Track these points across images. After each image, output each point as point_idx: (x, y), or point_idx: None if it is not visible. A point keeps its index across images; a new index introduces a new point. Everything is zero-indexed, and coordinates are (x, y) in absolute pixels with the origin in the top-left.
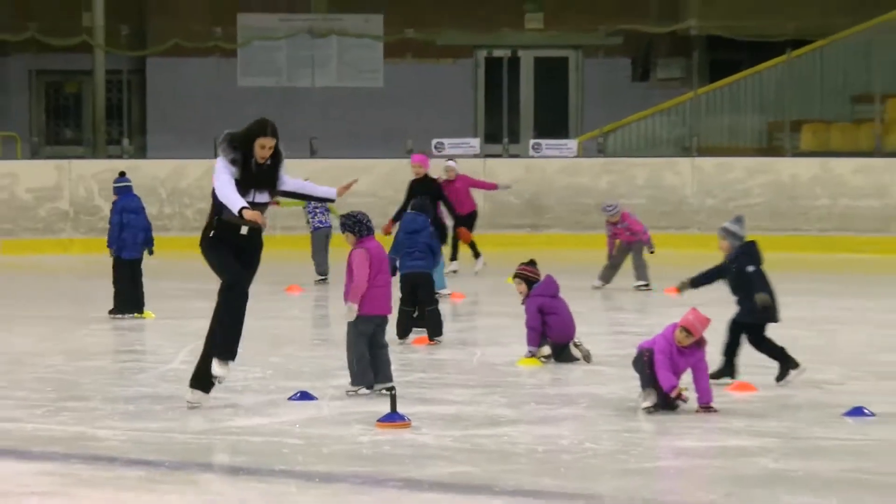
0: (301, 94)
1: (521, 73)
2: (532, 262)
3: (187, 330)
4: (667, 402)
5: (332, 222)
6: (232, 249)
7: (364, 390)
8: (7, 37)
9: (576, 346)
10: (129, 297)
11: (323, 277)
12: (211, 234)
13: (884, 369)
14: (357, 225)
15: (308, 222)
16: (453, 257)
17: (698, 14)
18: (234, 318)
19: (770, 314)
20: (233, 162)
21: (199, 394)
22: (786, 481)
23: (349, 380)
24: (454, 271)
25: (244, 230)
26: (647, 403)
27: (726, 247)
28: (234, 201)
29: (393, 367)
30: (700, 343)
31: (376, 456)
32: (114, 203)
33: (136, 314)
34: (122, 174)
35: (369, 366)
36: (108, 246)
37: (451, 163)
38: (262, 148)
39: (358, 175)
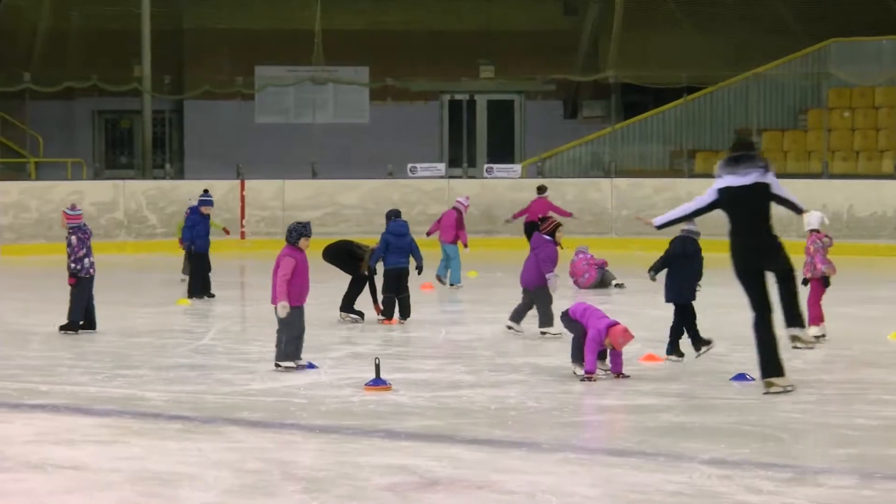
0: (304, 128)
1: (477, 112)
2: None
3: (214, 314)
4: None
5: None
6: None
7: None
8: (75, 84)
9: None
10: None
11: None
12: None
13: None
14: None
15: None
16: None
17: (615, 66)
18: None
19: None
20: None
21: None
22: (685, 431)
23: (319, 355)
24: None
25: None
26: (581, 372)
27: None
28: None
29: (377, 343)
30: None
31: (364, 412)
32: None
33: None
34: (206, 191)
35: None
36: (203, 249)
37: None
38: None
39: (347, 192)
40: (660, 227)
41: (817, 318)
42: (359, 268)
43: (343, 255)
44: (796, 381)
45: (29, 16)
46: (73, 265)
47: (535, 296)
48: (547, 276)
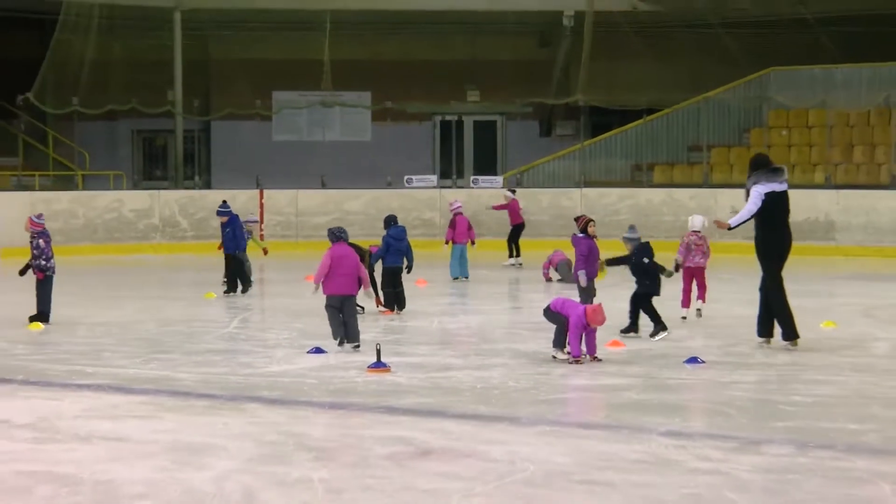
0: (315, 145)
1: (465, 131)
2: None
3: (237, 306)
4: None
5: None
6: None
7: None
8: (117, 107)
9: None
10: (248, 279)
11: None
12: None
13: (710, 331)
14: (330, 234)
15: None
16: (511, 254)
17: (584, 91)
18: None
19: (656, 289)
20: None
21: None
22: (645, 407)
23: (327, 342)
24: (517, 265)
25: None
26: (561, 357)
27: (629, 248)
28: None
29: (378, 332)
30: None
31: (367, 391)
32: (230, 221)
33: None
34: (225, 202)
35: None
36: (234, 249)
37: (507, 192)
38: None
39: (351, 201)
40: (733, 228)
41: (689, 302)
42: None
43: None
44: (741, 363)
45: (77, 48)
46: (43, 263)
47: (579, 290)
48: (577, 272)
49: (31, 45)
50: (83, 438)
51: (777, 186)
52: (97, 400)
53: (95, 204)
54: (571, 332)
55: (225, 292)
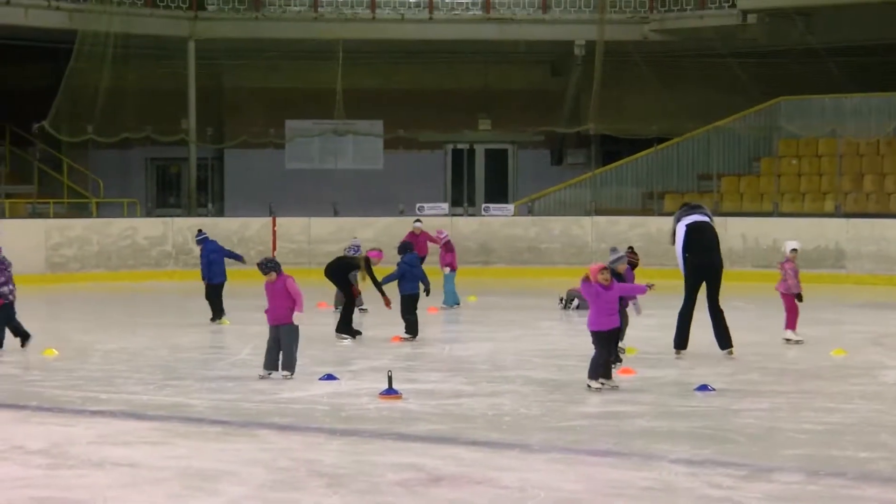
0: (328, 173)
1: (476, 159)
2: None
3: (250, 333)
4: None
5: None
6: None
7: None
8: (131, 135)
9: None
10: (218, 309)
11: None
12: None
13: (720, 359)
14: (275, 266)
15: None
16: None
17: (595, 120)
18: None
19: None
20: None
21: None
22: (655, 435)
23: (340, 368)
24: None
25: None
26: (595, 385)
27: (621, 269)
28: None
29: (389, 358)
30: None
31: (379, 417)
32: (202, 250)
33: (221, 321)
34: (200, 231)
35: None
36: (202, 277)
37: (415, 223)
38: None
39: (363, 228)
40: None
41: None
42: (352, 290)
43: (341, 270)
44: (752, 391)
45: (92, 77)
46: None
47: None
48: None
49: (45, 74)
50: (96, 464)
51: (698, 218)
52: (110, 426)
53: (109, 231)
54: (593, 308)
55: (211, 319)
